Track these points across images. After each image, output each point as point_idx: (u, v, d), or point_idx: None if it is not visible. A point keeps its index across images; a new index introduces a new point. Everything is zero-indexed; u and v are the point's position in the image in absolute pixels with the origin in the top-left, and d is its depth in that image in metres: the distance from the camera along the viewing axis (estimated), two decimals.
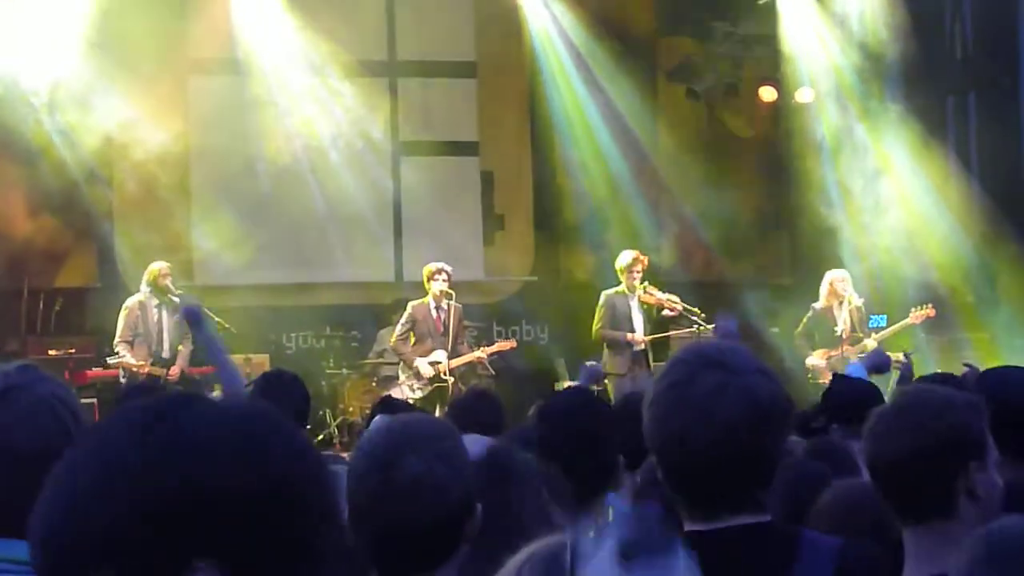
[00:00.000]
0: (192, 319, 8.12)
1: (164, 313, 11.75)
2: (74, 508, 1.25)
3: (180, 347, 11.84)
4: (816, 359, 12.40)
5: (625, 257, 12.50)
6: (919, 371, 7.70)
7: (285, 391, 5.79)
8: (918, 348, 12.26)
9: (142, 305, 11.76)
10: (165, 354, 11.76)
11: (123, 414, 1.29)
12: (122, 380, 11.60)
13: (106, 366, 11.99)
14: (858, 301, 12.51)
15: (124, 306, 11.83)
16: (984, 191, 14.69)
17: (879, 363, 5.95)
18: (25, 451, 1.99)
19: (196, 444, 1.26)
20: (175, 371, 11.72)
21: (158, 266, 11.82)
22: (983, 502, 2.74)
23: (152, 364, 11.63)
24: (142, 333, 11.71)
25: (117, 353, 11.68)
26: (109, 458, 1.26)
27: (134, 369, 11.56)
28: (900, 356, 8.01)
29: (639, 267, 12.39)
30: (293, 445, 1.32)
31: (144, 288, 11.81)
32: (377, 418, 3.34)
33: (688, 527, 2.36)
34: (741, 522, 2.34)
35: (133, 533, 1.22)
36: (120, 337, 11.75)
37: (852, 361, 9.43)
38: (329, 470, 1.35)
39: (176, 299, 11.59)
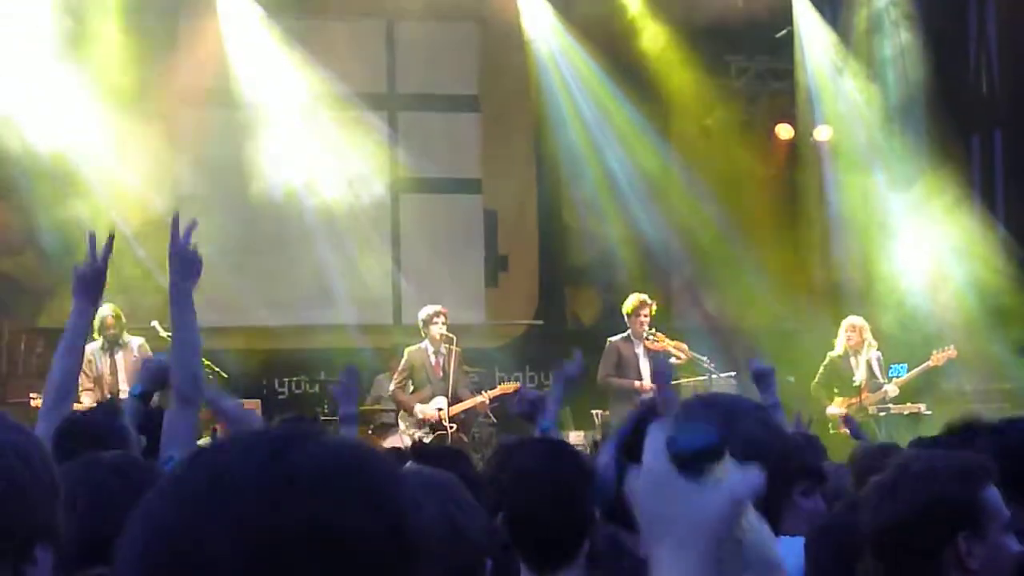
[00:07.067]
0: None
1: (116, 356, 11.86)
2: (178, 545, 1.21)
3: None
4: (836, 408, 12.30)
5: (631, 301, 12.36)
6: (939, 421, 7.19)
7: None
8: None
9: (94, 352, 11.84)
10: (125, 395, 11.44)
11: (237, 446, 1.27)
12: None
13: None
14: (876, 352, 12.47)
15: None
16: (1010, 234, 14.41)
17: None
18: None
19: (319, 481, 1.24)
20: None
21: (103, 312, 11.81)
22: (980, 574, 2.67)
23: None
24: (96, 379, 11.84)
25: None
26: (225, 490, 1.22)
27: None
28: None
29: (647, 311, 12.25)
30: (407, 490, 1.31)
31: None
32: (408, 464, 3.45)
33: None
34: None
35: (247, 570, 1.20)
36: (82, 387, 11.71)
37: None
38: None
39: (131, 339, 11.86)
